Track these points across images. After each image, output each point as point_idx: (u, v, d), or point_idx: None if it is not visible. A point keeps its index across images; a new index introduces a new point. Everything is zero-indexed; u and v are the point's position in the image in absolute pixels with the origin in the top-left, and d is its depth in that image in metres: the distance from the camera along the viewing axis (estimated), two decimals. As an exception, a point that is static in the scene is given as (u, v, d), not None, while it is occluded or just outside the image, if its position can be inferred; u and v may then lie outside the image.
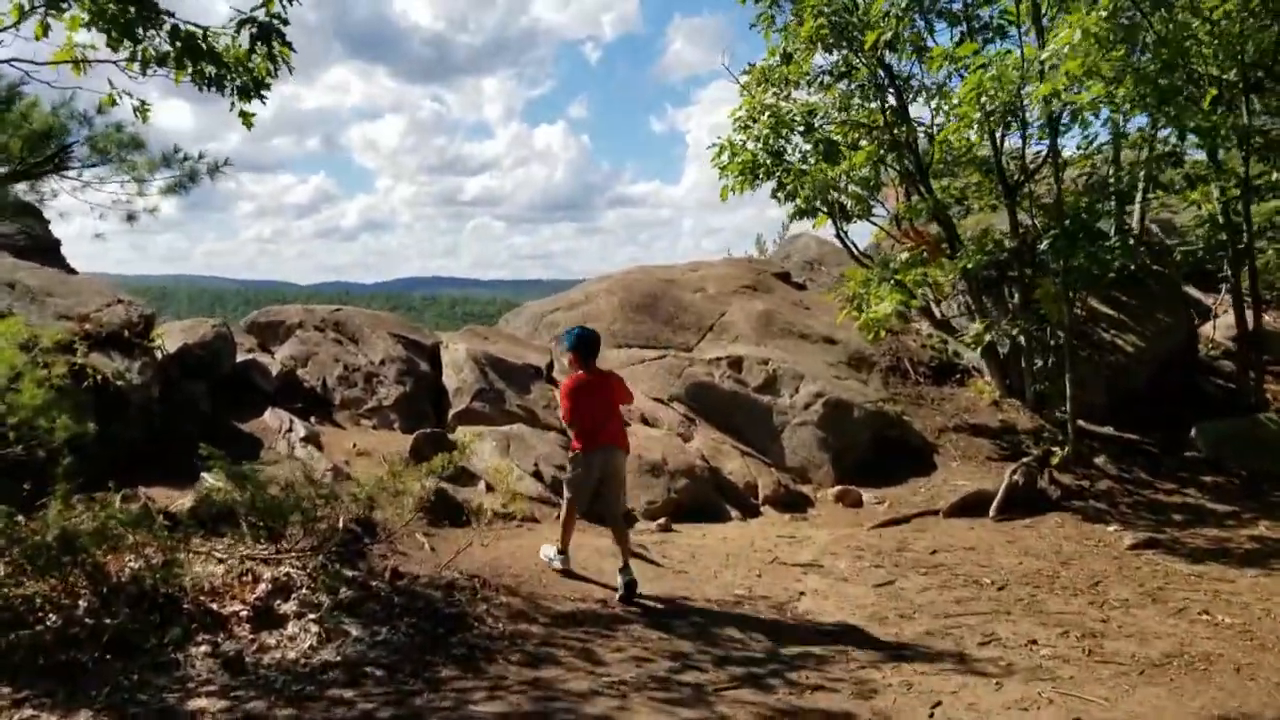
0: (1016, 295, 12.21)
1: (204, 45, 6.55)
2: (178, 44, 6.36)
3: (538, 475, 9.48)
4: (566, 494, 7.39)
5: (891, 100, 11.91)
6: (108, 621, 5.74)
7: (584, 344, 7.12)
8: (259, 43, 6.29)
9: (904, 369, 13.20)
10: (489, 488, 9.44)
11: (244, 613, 6.45)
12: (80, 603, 5.96)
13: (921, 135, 11.63)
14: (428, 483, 8.54)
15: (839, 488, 10.69)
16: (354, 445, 9.62)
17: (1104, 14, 8.23)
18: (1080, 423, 11.55)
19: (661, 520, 9.45)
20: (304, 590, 6.88)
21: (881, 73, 11.44)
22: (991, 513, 10.12)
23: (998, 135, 11.78)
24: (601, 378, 7.14)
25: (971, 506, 10.28)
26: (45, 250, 10.88)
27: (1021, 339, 11.39)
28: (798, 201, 10.69)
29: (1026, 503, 10.35)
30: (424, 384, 10.88)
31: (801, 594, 7.67)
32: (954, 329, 12.94)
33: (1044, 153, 11.88)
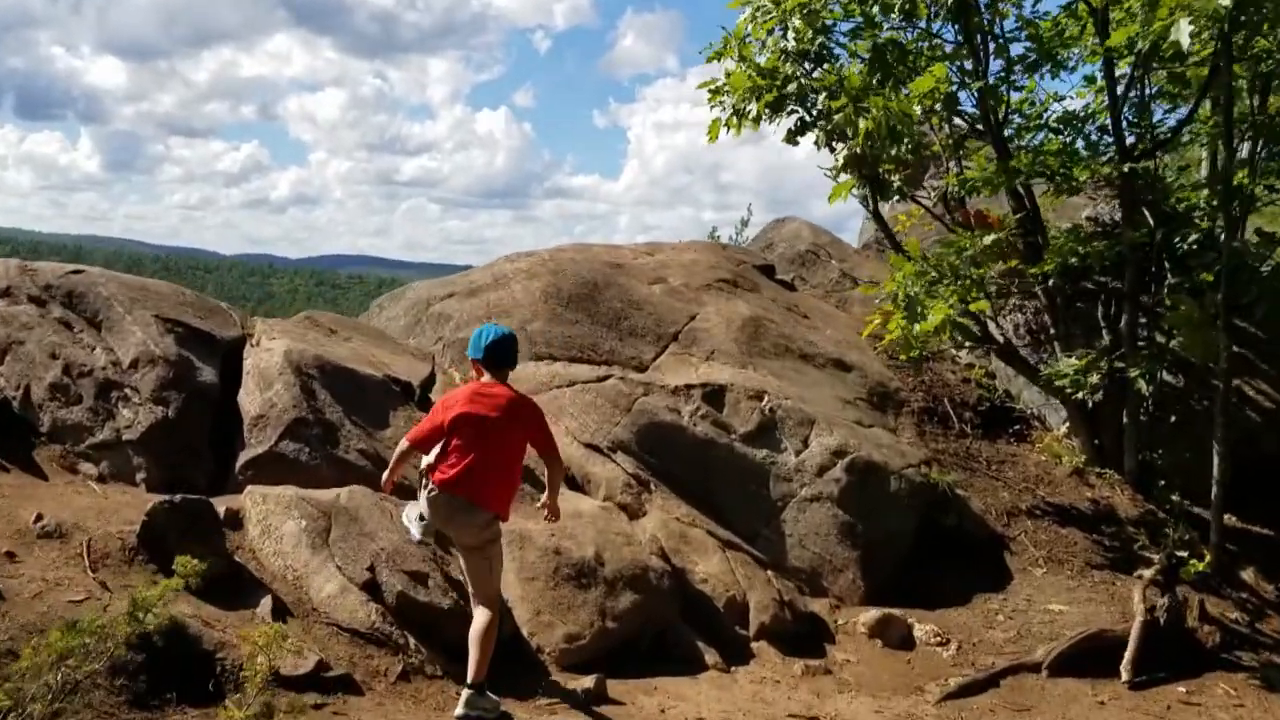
0: (1124, 318, 8.23)
1: None
2: None
3: (373, 588, 5.31)
4: None
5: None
6: None
7: (497, 351, 5.26)
8: None
9: (943, 412, 9.20)
10: (279, 609, 5.18)
11: None
12: None
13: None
14: (160, 605, 4.44)
15: (875, 612, 6.68)
16: (37, 518, 5.23)
17: None
18: (1202, 513, 7.70)
19: (590, 682, 5.32)
20: None
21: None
22: (1124, 672, 6.27)
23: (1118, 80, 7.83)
24: (509, 399, 5.16)
25: (1089, 656, 6.47)
26: None
27: (1143, 383, 7.41)
28: (851, 143, 6.44)
29: (1170, 651, 6.47)
30: (203, 404, 6.56)
31: None
32: (1024, 361, 8.93)
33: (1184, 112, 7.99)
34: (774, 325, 9.21)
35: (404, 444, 5.31)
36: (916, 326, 7.36)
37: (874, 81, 6.38)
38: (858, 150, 6.33)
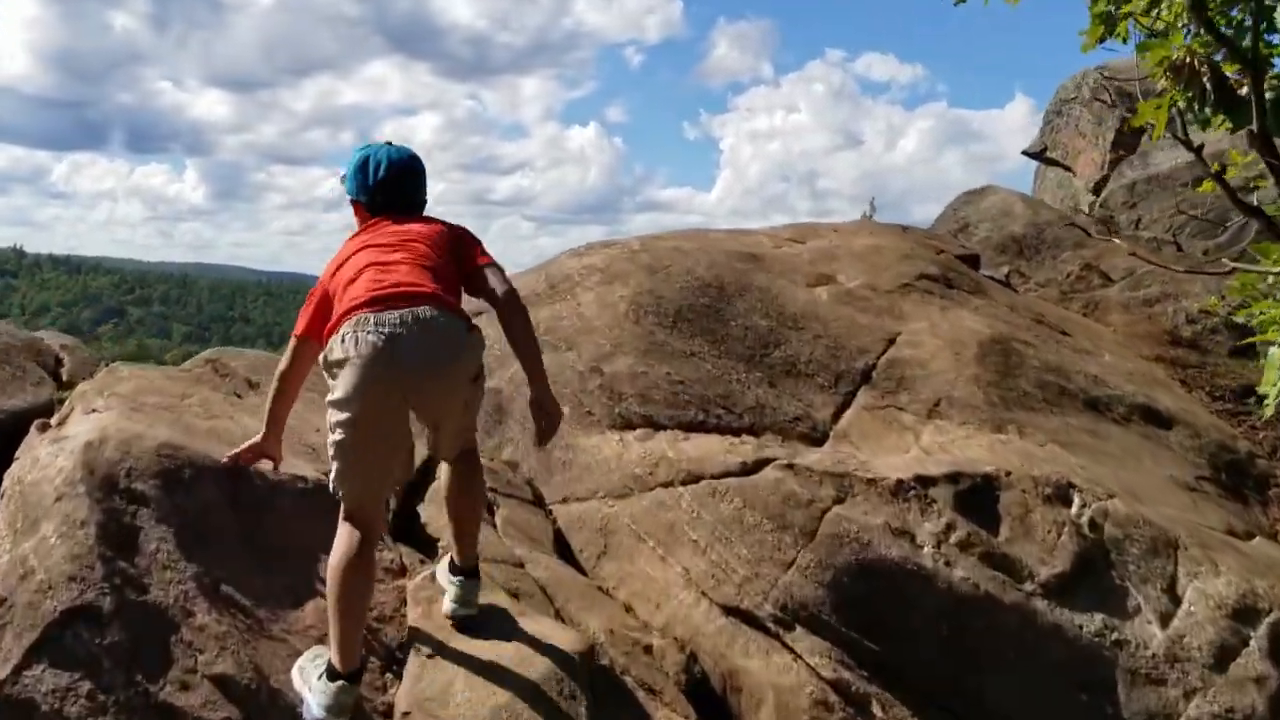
0: None
1: None
2: None
3: None
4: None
5: None
6: None
7: (392, 189, 3.27)
8: None
9: (1334, 493, 5.15)
10: None
11: None
12: None
13: None
14: None
15: None
16: None
17: None
18: None
19: None
20: None
21: None
22: None
23: None
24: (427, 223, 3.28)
25: None
26: None
27: None
28: None
29: None
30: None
31: None
32: None
33: None
34: (1030, 351, 5.29)
35: (292, 344, 3.12)
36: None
37: None
38: None
